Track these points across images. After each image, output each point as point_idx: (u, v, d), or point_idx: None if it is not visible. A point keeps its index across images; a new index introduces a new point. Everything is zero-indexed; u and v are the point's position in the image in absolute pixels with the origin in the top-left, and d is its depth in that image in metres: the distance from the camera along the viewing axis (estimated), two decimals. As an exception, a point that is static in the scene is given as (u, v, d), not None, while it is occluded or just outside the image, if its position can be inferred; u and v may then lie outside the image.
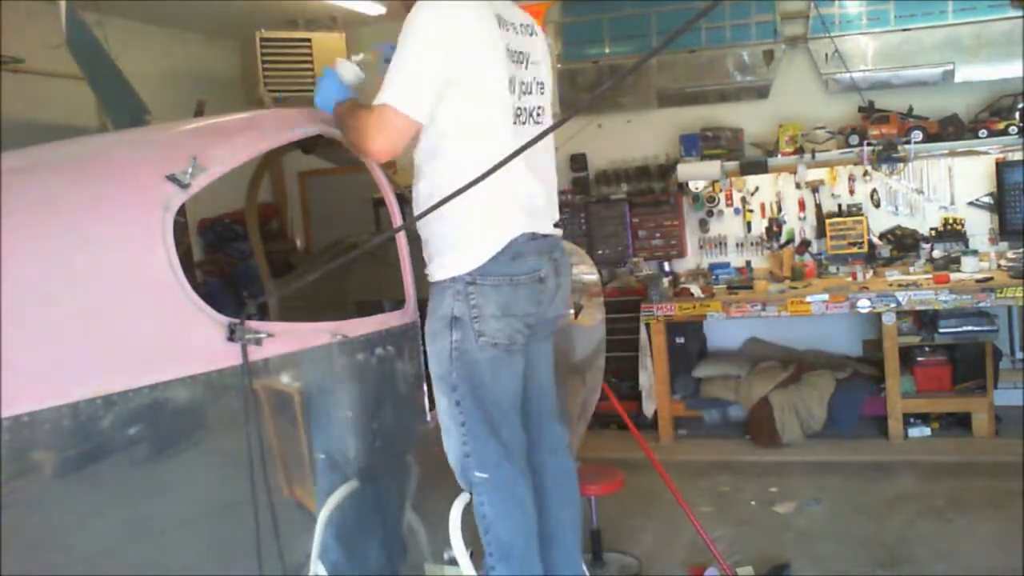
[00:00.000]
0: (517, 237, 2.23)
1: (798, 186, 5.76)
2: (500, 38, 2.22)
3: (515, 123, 2.27)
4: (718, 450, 5.30)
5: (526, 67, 2.32)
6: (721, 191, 5.93)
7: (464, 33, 2.15)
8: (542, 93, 2.39)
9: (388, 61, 2.21)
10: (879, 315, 5.05)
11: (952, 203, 5.53)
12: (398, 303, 2.50)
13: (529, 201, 2.29)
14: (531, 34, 2.40)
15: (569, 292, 2.59)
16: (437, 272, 2.27)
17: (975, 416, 5.04)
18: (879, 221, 5.66)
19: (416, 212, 2.28)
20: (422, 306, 2.54)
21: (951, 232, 5.48)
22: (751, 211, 5.92)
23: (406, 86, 2.12)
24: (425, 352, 2.48)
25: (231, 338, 1.94)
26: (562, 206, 6.04)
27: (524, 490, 2.32)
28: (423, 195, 2.25)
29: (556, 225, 2.43)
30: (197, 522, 1.92)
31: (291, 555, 2.08)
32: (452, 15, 2.14)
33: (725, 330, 6.01)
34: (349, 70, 2.41)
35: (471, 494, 2.30)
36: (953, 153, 5.37)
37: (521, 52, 2.31)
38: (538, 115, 2.36)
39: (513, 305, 2.25)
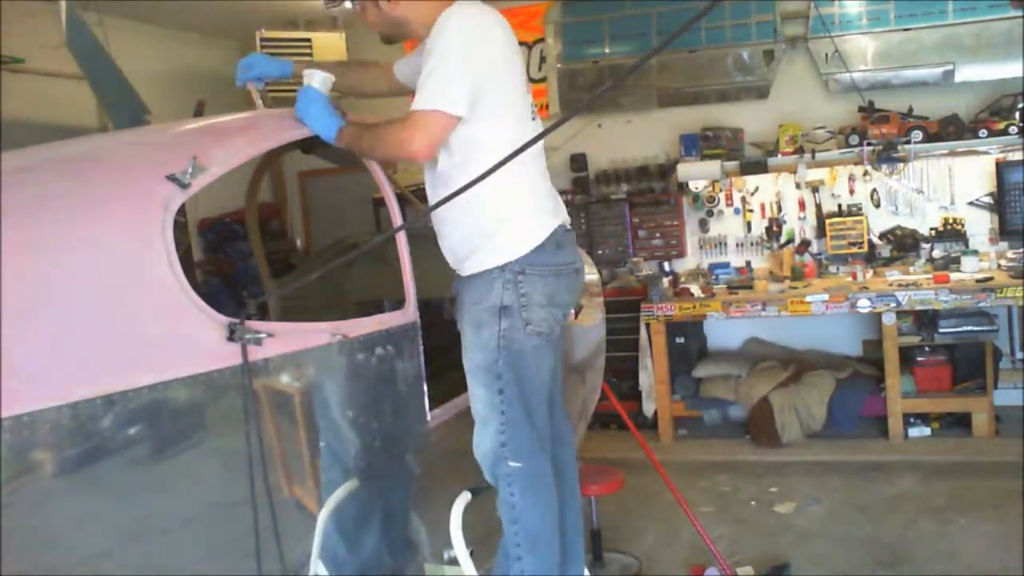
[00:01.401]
0: (557, 228, 2.34)
1: (798, 186, 5.76)
2: (519, 56, 2.37)
3: (532, 119, 2.39)
4: (718, 450, 5.30)
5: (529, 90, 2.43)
6: (721, 191, 5.93)
7: (496, 44, 2.26)
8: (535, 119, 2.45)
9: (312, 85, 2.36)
10: (879, 315, 5.05)
11: (952, 203, 5.52)
12: (398, 303, 2.50)
13: (556, 196, 2.43)
14: None
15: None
16: (485, 260, 2.29)
17: (975, 416, 5.04)
18: (879, 221, 5.65)
19: (445, 218, 2.33)
20: (422, 306, 2.54)
21: (951, 232, 5.47)
22: (751, 211, 5.92)
23: (447, 85, 2.17)
24: (424, 351, 2.49)
25: (231, 338, 1.94)
26: (562, 206, 6.14)
27: (551, 480, 2.36)
28: (459, 202, 2.19)
29: None
30: (197, 522, 1.92)
31: (291, 555, 2.08)
32: (488, 24, 2.24)
33: (725, 330, 6.01)
34: (318, 77, 2.41)
35: (497, 486, 2.31)
36: (953, 153, 5.37)
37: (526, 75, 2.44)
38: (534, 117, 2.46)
39: (556, 295, 2.33)
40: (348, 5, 2.52)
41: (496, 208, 2.26)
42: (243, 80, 2.69)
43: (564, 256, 2.36)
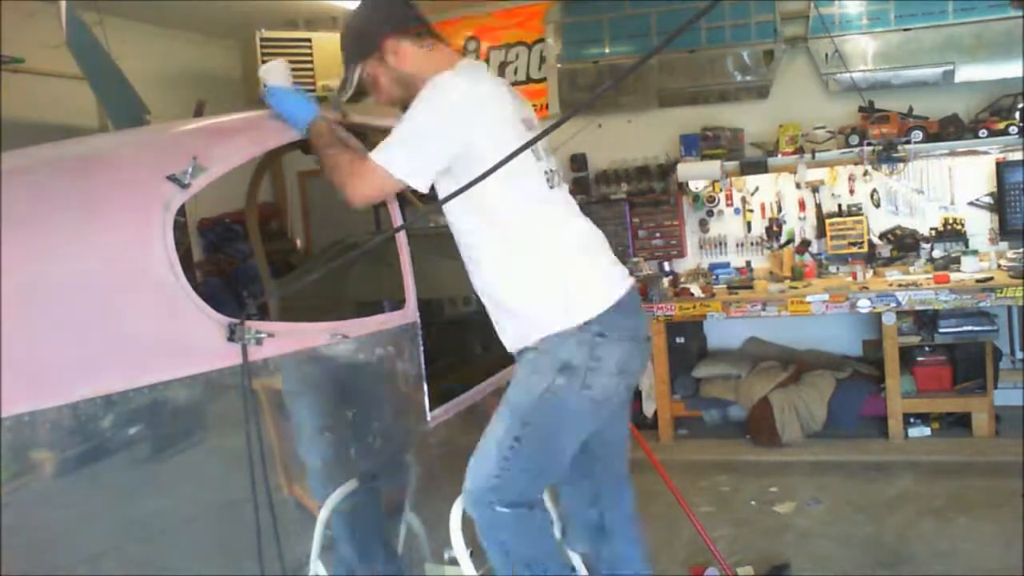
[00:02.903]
0: (629, 290, 2.26)
1: (798, 186, 5.76)
2: (516, 110, 2.26)
3: (549, 187, 2.28)
4: (718, 450, 5.30)
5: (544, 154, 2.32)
6: (721, 191, 5.93)
7: (485, 119, 2.16)
8: (551, 156, 2.38)
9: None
10: (879, 315, 5.05)
11: (952, 203, 5.52)
12: (398, 303, 2.50)
13: (619, 263, 2.35)
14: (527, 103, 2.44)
15: None
16: (558, 322, 2.15)
17: (975, 416, 5.04)
18: (879, 221, 5.65)
19: (486, 291, 2.27)
20: (422, 306, 2.55)
21: (951, 232, 5.47)
22: (751, 211, 5.92)
23: (408, 152, 2.12)
24: (423, 352, 2.48)
25: (231, 338, 1.94)
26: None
27: (541, 512, 2.27)
28: (493, 272, 2.23)
29: None
30: (197, 522, 1.93)
31: (291, 554, 2.08)
32: (476, 101, 2.15)
33: (725, 330, 6.01)
34: (279, 73, 2.34)
35: (473, 517, 2.20)
36: (953, 153, 5.36)
37: (531, 120, 2.34)
38: (559, 177, 2.38)
39: (629, 363, 2.21)
40: (358, 75, 2.34)
41: (563, 263, 2.21)
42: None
43: (637, 323, 2.26)
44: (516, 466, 2.14)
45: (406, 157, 2.13)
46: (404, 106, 2.27)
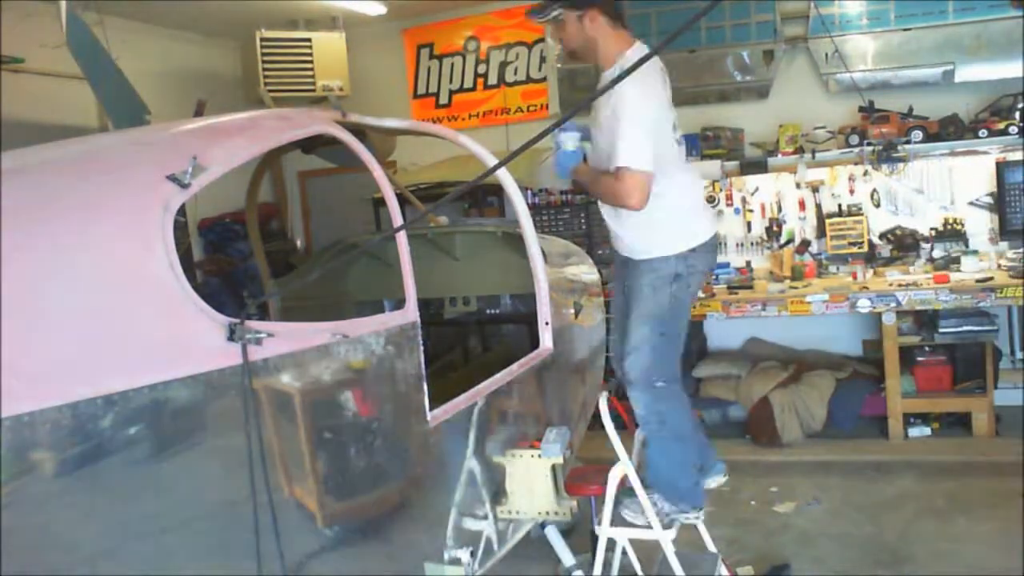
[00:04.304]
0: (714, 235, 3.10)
1: (798, 186, 5.76)
2: (666, 92, 2.96)
3: (678, 152, 3.04)
4: (718, 450, 5.26)
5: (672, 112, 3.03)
6: (721, 191, 5.93)
7: (658, 100, 2.87)
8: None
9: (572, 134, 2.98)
10: (879, 315, 5.05)
11: (952, 203, 5.52)
12: (398, 303, 2.50)
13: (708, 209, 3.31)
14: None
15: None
16: (664, 249, 2.98)
17: (975, 416, 5.04)
18: (879, 221, 5.65)
19: (634, 234, 3.03)
20: (422, 306, 2.54)
21: (951, 232, 5.48)
22: (751, 211, 5.92)
23: (640, 147, 2.74)
24: (424, 350, 2.49)
25: (231, 338, 1.94)
26: (562, 206, 6.15)
27: (685, 395, 3.12)
28: (645, 218, 2.87)
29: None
30: (197, 522, 1.92)
31: (291, 554, 2.08)
32: (652, 86, 2.84)
33: (725, 330, 6.01)
34: (571, 140, 2.99)
35: (636, 402, 2.99)
36: (953, 153, 5.37)
37: (669, 93, 3.01)
38: (681, 140, 3.09)
39: (708, 264, 3.10)
40: (555, 14, 2.90)
41: (669, 212, 2.92)
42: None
43: (716, 238, 3.12)
44: (662, 350, 2.97)
45: (641, 151, 2.75)
46: (573, 57, 3.07)
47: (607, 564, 3.06)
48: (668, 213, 2.91)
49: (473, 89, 6.69)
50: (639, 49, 2.91)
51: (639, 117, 2.76)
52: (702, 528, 3.24)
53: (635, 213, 2.84)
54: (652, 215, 2.85)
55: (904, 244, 5.57)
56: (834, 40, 5.43)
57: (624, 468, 2.91)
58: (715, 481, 3.26)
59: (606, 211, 3.10)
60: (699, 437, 3.28)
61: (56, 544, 1.68)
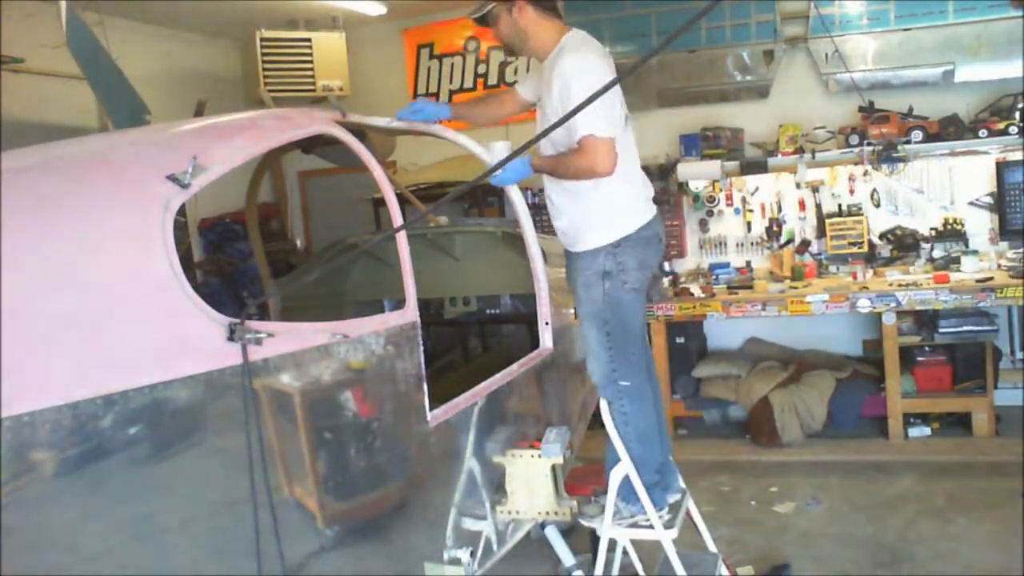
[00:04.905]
0: (651, 219, 2.99)
1: (798, 186, 5.76)
2: (614, 72, 2.91)
3: (628, 140, 3.00)
4: (718, 450, 5.30)
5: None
6: (721, 191, 5.93)
7: (602, 72, 2.82)
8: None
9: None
10: (879, 315, 5.05)
11: (952, 203, 5.53)
12: (398, 303, 2.50)
13: (648, 192, 3.09)
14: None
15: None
16: (590, 242, 2.88)
17: (975, 416, 5.04)
18: (879, 221, 5.65)
19: (566, 221, 2.95)
20: (422, 306, 2.54)
21: (951, 232, 5.48)
22: (751, 211, 5.92)
23: (599, 115, 2.70)
24: (424, 350, 2.49)
25: (231, 338, 1.94)
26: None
27: (650, 393, 3.04)
28: (580, 206, 2.89)
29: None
30: (197, 522, 1.92)
31: (291, 554, 2.08)
32: (603, 59, 2.89)
33: (725, 330, 6.01)
34: (500, 148, 2.93)
35: (610, 402, 2.93)
36: (953, 153, 5.37)
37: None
38: (629, 128, 3.07)
39: (646, 260, 2.94)
40: (486, 10, 2.91)
41: (599, 202, 2.86)
42: (404, 117, 3.11)
43: (651, 231, 2.96)
44: (617, 348, 2.90)
45: (599, 118, 2.71)
46: (510, 52, 3.05)
47: (608, 564, 3.05)
48: (602, 203, 2.88)
49: (473, 89, 6.68)
50: (573, 34, 2.95)
51: (589, 88, 2.61)
52: (702, 528, 3.23)
53: (569, 201, 2.89)
54: (589, 203, 2.87)
55: (904, 244, 5.57)
56: (834, 40, 5.43)
57: (625, 468, 2.90)
58: (672, 497, 3.13)
59: (548, 198, 3.04)
60: (665, 438, 3.18)
61: (56, 544, 1.68)
